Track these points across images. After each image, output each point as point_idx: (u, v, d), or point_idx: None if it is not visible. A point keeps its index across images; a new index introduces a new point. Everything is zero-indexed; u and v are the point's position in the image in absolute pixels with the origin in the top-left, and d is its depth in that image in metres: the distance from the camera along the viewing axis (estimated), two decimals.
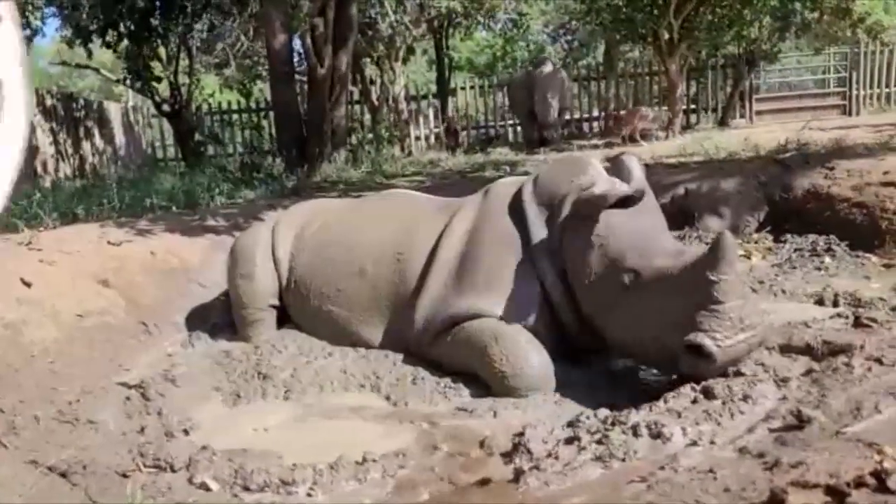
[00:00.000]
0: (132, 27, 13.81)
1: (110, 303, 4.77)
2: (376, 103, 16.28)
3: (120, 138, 17.51)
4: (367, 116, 16.56)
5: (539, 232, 3.94)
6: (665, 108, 16.04)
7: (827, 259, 5.39)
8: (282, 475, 2.92)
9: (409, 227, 4.49)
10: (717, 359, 3.19)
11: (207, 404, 3.86)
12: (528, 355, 3.69)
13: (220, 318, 5.05)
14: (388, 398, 3.81)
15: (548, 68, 14.49)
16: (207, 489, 2.89)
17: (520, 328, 3.80)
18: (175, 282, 5.34)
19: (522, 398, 3.60)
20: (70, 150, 14.74)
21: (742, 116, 17.95)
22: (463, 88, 19.08)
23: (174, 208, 7.55)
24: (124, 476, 2.94)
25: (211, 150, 16.53)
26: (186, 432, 3.46)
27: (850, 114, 18.00)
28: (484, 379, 3.79)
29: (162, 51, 15.00)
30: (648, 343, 3.43)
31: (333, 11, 10.35)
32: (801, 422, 2.76)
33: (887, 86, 18.41)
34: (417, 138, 17.39)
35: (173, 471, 3.02)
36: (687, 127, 15.97)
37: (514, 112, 16.58)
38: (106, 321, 4.58)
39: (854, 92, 18.43)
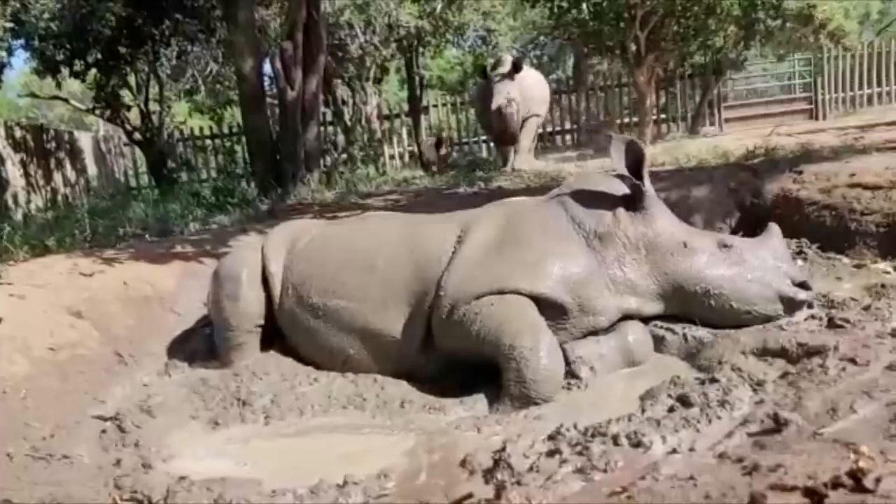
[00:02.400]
0: (99, 56, 13.75)
1: (83, 334, 4.69)
2: (349, 124, 16.31)
3: (92, 168, 17.43)
4: (341, 137, 16.58)
5: (611, 227, 4.21)
6: (636, 118, 16.23)
7: (799, 262, 5.45)
8: (262, 502, 2.88)
9: (418, 229, 4.56)
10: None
11: (185, 433, 3.80)
12: (556, 363, 3.76)
13: (196, 346, 4.97)
14: (372, 419, 3.78)
15: (505, 68, 11.93)
16: None
17: (549, 331, 3.86)
18: (149, 310, 5.28)
19: (524, 405, 3.64)
20: (41, 182, 14.64)
21: (712, 125, 18.25)
22: (435, 106, 19.18)
23: (147, 236, 7.48)
24: None
25: (184, 176, 16.47)
26: (164, 462, 3.41)
27: (816, 118, 18.35)
28: (499, 363, 3.78)
29: (131, 79, 14.96)
30: (755, 292, 4.09)
31: (302, 34, 10.36)
32: (778, 425, 2.77)
33: (851, 89, 18.79)
34: (392, 157, 17.45)
35: (151, 503, 2.97)
36: (658, 137, 16.16)
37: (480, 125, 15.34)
38: (79, 353, 4.51)
39: (819, 97, 18.80)
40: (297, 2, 10.21)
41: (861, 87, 18.80)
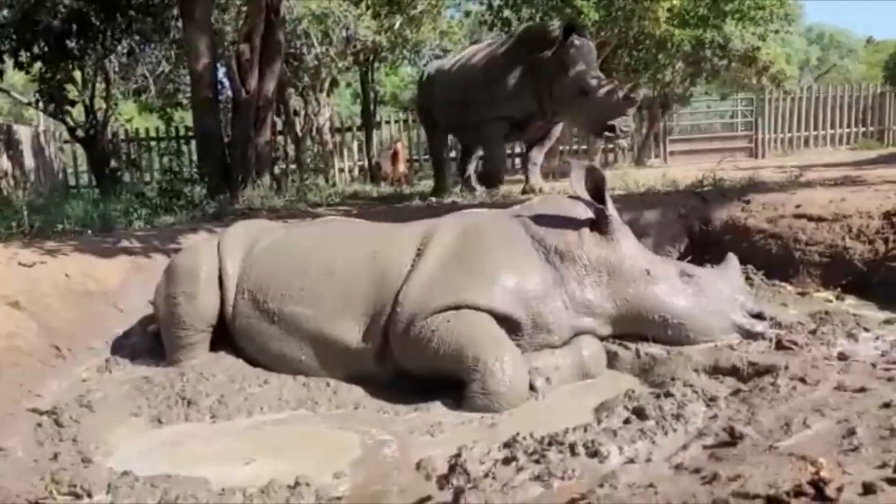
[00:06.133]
0: (47, 49, 13.33)
1: (20, 326, 4.48)
2: (300, 134, 16.16)
3: (29, 162, 16.80)
4: (291, 147, 16.39)
5: (571, 246, 4.21)
6: (584, 146, 16.53)
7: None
8: (211, 501, 2.78)
9: (381, 234, 4.56)
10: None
11: (127, 430, 3.66)
12: (520, 374, 3.74)
13: (139, 343, 4.82)
14: (324, 421, 3.70)
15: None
16: None
17: (512, 343, 3.87)
18: (91, 305, 5.08)
19: (486, 412, 3.62)
20: None
21: (657, 156, 18.73)
22: (388, 122, 19.18)
23: (90, 232, 7.23)
24: None
25: (127, 176, 16.06)
26: (104, 458, 3.26)
27: (756, 156, 18.99)
28: (461, 377, 3.75)
29: (78, 74, 14.54)
30: (712, 323, 4.18)
31: (260, 38, 10.24)
32: (733, 438, 2.81)
33: (790, 131, 19.53)
34: (342, 170, 17.35)
35: (91, 498, 2.84)
36: (605, 165, 16.45)
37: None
38: (15, 345, 4.30)
39: (760, 136, 19.47)
40: (257, 5, 10.09)
41: (799, 130, 19.57)
